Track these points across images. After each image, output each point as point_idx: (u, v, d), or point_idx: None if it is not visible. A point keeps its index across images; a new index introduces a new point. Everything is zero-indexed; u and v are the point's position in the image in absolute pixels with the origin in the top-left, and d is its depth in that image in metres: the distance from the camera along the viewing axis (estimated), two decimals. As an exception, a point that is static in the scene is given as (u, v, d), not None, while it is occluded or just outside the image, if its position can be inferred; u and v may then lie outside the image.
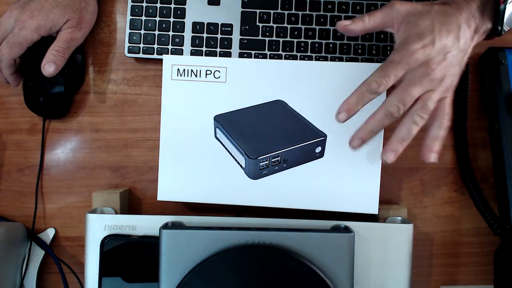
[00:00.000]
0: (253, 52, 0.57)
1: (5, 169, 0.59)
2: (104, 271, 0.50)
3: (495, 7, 0.47)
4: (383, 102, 0.47)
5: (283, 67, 0.52)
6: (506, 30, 0.49)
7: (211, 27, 0.57)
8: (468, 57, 0.48)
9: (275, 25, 0.57)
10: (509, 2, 0.47)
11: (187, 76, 0.52)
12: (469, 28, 0.47)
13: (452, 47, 0.46)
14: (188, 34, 0.57)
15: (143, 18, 0.57)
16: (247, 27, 0.57)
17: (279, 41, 0.57)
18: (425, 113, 0.46)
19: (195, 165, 0.52)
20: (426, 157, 0.47)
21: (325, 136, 0.51)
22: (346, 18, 0.56)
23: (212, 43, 0.57)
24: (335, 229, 0.49)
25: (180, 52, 0.57)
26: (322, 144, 0.52)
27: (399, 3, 0.47)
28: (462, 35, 0.46)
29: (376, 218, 0.54)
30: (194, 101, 0.52)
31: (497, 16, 0.48)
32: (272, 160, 0.51)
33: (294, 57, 0.57)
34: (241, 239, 0.46)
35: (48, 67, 0.52)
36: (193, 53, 0.57)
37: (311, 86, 0.52)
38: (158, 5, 0.57)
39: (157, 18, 0.57)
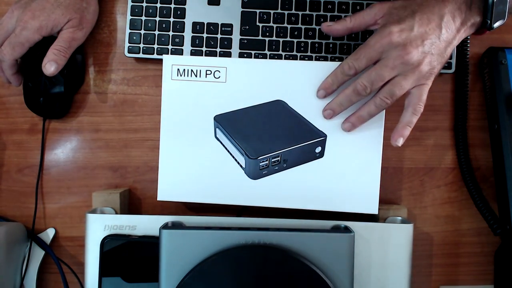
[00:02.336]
0: (253, 52, 0.57)
1: (5, 169, 0.59)
2: (104, 271, 0.50)
3: (484, 0, 0.48)
4: (355, 79, 0.48)
5: (283, 67, 0.52)
6: (496, 24, 0.49)
7: (211, 27, 0.57)
8: (454, 48, 0.49)
9: (275, 25, 0.57)
10: None
11: (187, 76, 0.52)
12: (454, 19, 0.47)
13: (432, 35, 0.46)
14: (188, 34, 0.57)
15: (143, 18, 0.57)
16: (247, 27, 0.57)
17: (279, 41, 0.57)
18: (389, 97, 0.48)
19: (195, 165, 0.52)
20: (393, 140, 0.49)
21: (325, 136, 0.51)
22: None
23: (212, 43, 0.57)
24: (335, 229, 0.49)
25: (180, 52, 0.57)
26: (322, 144, 0.52)
27: (381, 2, 0.49)
28: (445, 25, 0.47)
29: (376, 218, 0.54)
30: (194, 101, 0.52)
31: (486, 9, 0.48)
32: (272, 160, 0.51)
33: (294, 57, 0.57)
34: (241, 239, 0.46)
35: (49, 66, 0.52)
36: (193, 53, 0.57)
37: (311, 86, 0.52)
38: (158, 5, 0.57)
39: (157, 18, 0.57)
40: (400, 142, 0.49)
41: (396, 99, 0.48)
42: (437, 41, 0.47)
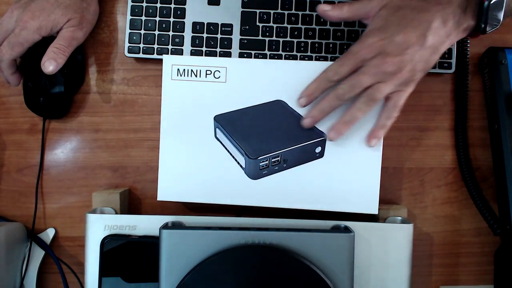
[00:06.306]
0: (253, 52, 0.57)
1: (5, 169, 0.59)
2: (104, 271, 0.50)
3: (479, 4, 0.48)
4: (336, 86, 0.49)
5: (283, 67, 0.52)
6: (490, 28, 0.49)
7: (211, 27, 0.57)
8: (443, 52, 0.49)
9: (275, 25, 0.57)
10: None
11: (187, 76, 0.52)
12: (445, 24, 0.47)
13: (415, 43, 0.46)
14: (188, 34, 0.57)
15: (143, 18, 0.57)
16: (247, 27, 0.57)
17: (279, 41, 0.57)
18: (370, 102, 0.48)
19: (195, 165, 0.52)
20: (367, 141, 0.51)
21: (325, 136, 0.51)
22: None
23: (212, 43, 0.57)
24: (335, 229, 0.49)
25: (180, 52, 0.57)
26: (322, 144, 0.52)
27: None
28: (432, 32, 0.47)
29: (376, 218, 0.54)
30: (194, 101, 0.52)
31: (481, 13, 0.48)
32: (272, 160, 0.51)
33: (294, 57, 0.57)
34: (241, 239, 0.46)
35: (48, 64, 0.52)
36: (193, 53, 0.57)
37: (311, 86, 0.52)
38: (158, 5, 0.57)
39: (157, 18, 0.57)
40: (373, 143, 0.50)
41: (378, 102, 0.49)
42: (420, 49, 0.47)
